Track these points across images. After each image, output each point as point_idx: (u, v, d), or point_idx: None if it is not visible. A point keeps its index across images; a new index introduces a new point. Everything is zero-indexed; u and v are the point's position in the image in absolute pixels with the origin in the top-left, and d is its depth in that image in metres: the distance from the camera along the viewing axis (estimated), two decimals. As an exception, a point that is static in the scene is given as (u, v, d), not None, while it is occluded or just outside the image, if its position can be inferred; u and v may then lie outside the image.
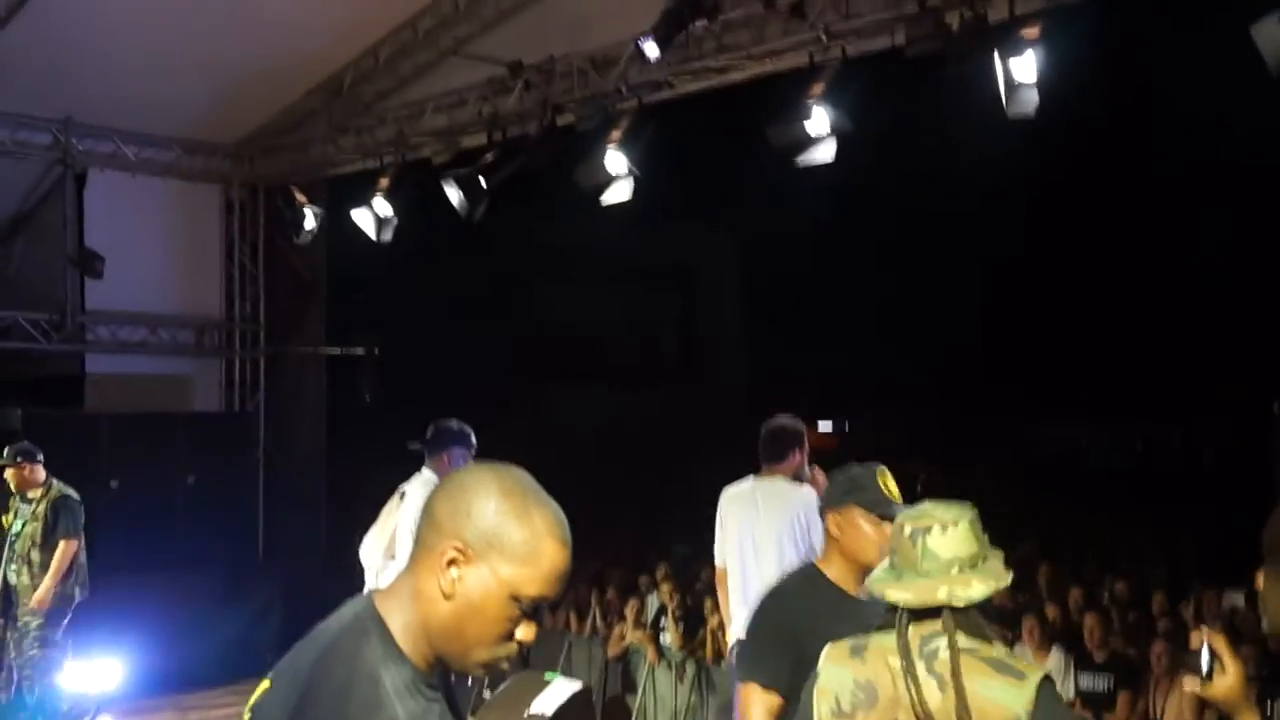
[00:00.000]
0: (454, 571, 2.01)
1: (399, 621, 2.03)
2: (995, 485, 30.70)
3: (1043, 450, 32.35)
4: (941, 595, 2.89)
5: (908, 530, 3.00)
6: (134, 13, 10.67)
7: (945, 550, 2.94)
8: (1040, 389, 28.20)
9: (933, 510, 3.03)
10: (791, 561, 5.70)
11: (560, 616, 12.04)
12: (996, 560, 3.03)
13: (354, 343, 13.72)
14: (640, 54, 9.00)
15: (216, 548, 12.37)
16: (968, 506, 3.06)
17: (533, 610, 2.05)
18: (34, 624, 9.13)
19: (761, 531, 6.11)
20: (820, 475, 6.09)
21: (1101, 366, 24.62)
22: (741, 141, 9.57)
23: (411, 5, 11.54)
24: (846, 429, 36.56)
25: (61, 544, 9.17)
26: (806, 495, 6.05)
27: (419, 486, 6.54)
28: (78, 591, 9.33)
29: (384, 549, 6.45)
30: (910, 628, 2.91)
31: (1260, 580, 2.52)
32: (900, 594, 2.94)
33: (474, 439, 6.63)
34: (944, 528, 2.98)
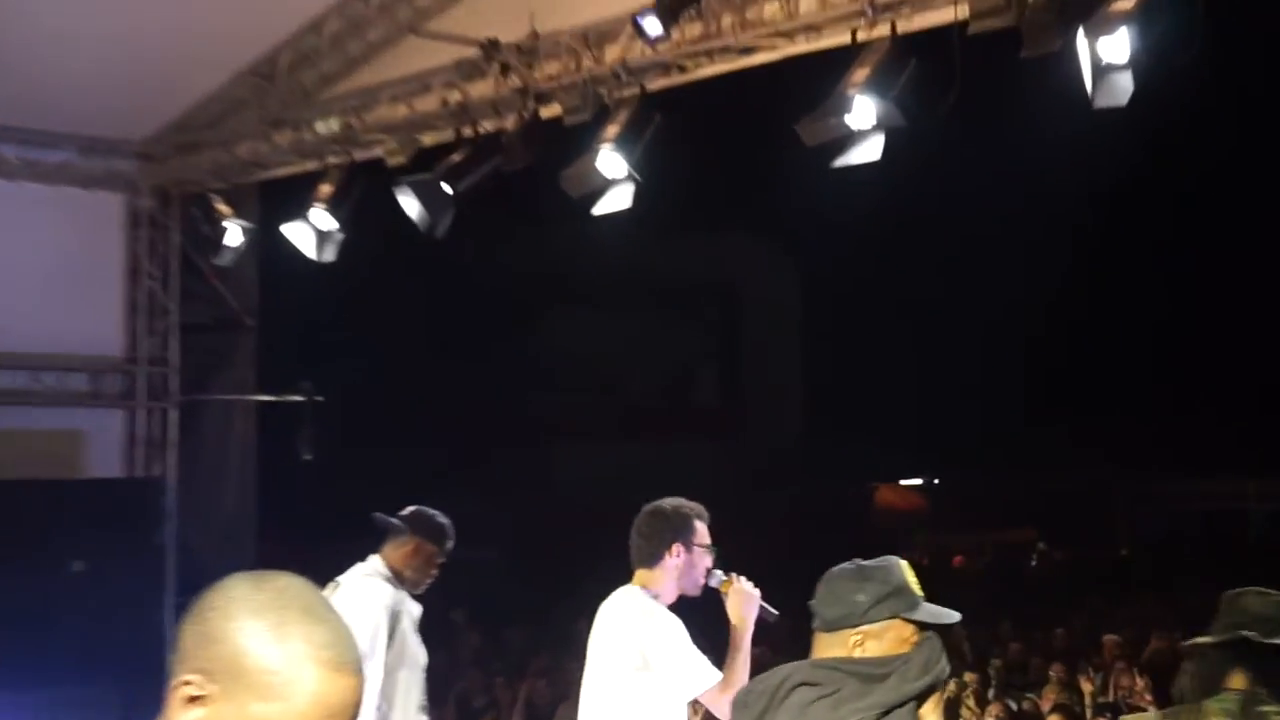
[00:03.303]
0: (197, 712, 1.99)
1: None
2: (1130, 558, 30.76)
3: (1193, 514, 32.25)
4: (1244, 631, 3.86)
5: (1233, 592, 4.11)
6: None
7: (1255, 606, 3.99)
8: (1184, 439, 28.17)
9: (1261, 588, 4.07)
10: (612, 708, 5.69)
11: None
12: None
13: (291, 389, 13.84)
14: (640, 31, 9.16)
15: (113, 653, 12.40)
16: None
17: None
18: None
19: (591, 668, 6.01)
20: (740, 586, 5.96)
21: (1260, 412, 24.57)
22: (767, 137, 9.72)
23: (360, -32, 11.76)
24: (934, 486, 36.69)
25: None
26: (634, 612, 5.84)
27: (360, 578, 6.65)
28: None
29: None
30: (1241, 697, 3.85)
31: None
32: (1205, 638, 4.02)
33: (450, 545, 6.83)
34: (1261, 595, 4.01)
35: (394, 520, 6.78)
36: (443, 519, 6.87)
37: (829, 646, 3.59)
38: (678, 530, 5.97)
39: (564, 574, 20.62)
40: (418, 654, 6.85)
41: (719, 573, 6.00)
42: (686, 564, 5.95)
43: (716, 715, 5.88)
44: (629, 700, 5.77)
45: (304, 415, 13.65)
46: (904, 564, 3.71)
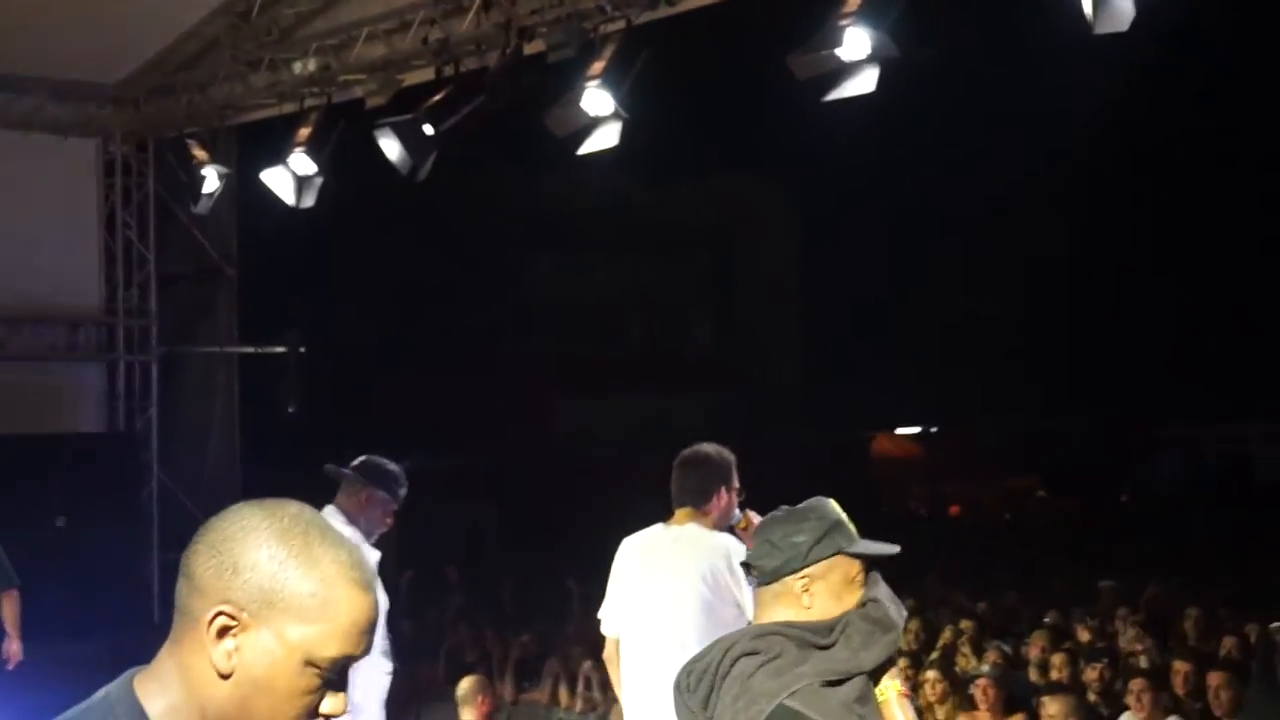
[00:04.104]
0: (229, 643, 2.07)
1: (161, 705, 2.10)
2: (1132, 505, 30.76)
3: (1192, 462, 32.25)
4: None
5: None
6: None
7: None
8: (1184, 385, 28.10)
9: None
10: (706, 633, 5.81)
11: (545, 689, 12.18)
12: None
13: (273, 340, 13.79)
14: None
15: (98, 609, 12.41)
16: None
17: (337, 675, 2.13)
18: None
19: (672, 595, 6.21)
20: (757, 520, 6.17)
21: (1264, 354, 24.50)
22: (760, 72, 9.59)
23: (335, -99, 11.63)
24: (932, 434, 36.63)
25: None
26: (728, 544, 6.16)
27: None
28: None
29: None
30: None
31: None
32: None
33: (404, 493, 6.95)
34: None
35: (345, 470, 6.88)
36: (394, 466, 6.97)
37: (774, 600, 3.55)
38: (724, 473, 6.28)
39: (558, 529, 20.60)
40: (379, 599, 6.86)
41: (736, 511, 6.33)
42: (728, 505, 6.29)
43: None
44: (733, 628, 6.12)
45: (288, 367, 13.60)
46: (833, 502, 3.67)
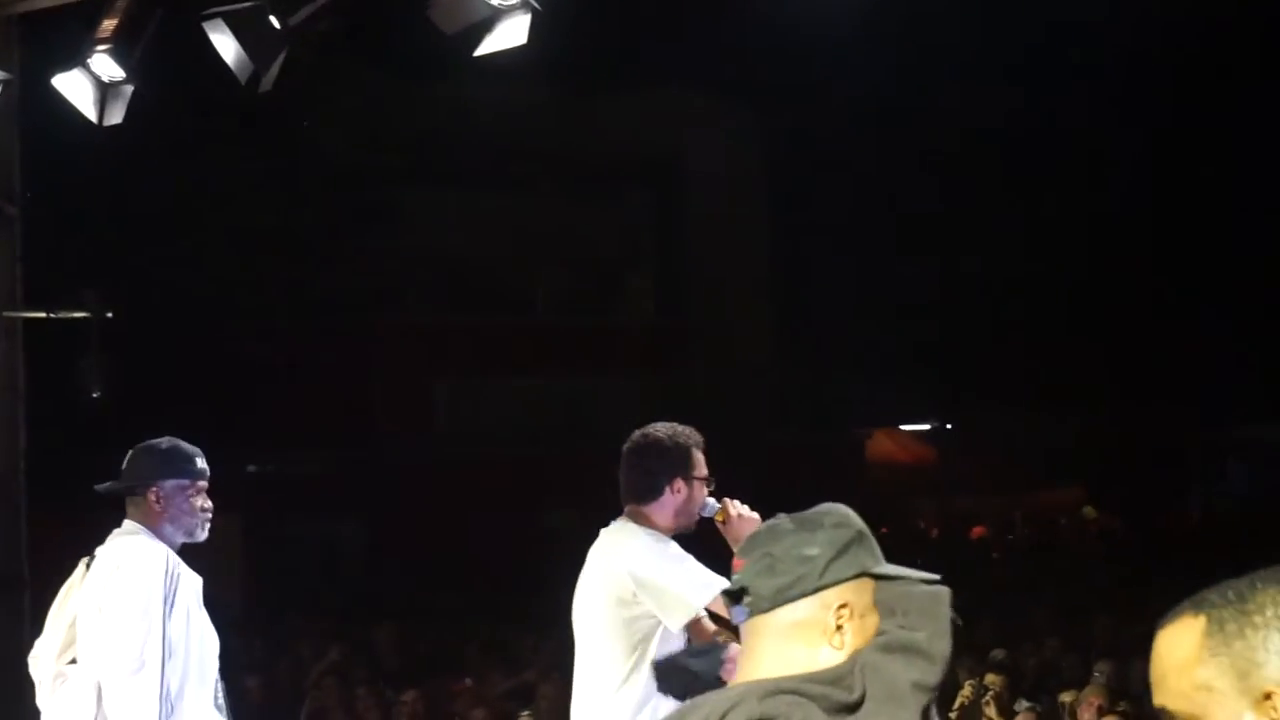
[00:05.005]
0: None
1: None
2: (1205, 524, 31.11)
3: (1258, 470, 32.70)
4: None
5: None
6: None
7: None
8: (1245, 378, 28.51)
9: None
10: (605, 651, 6.30)
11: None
12: None
13: (71, 303, 13.70)
14: None
15: None
16: None
17: None
18: None
19: (581, 607, 6.62)
20: (736, 511, 6.54)
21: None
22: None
23: None
24: (947, 432, 36.97)
25: None
26: (647, 543, 6.46)
27: (115, 550, 6.82)
28: None
29: (59, 648, 6.84)
30: None
31: None
32: None
33: (201, 464, 6.94)
34: None
35: (115, 483, 6.93)
36: (171, 440, 6.96)
37: (780, 637, 3.21)
38: (678, 463, 6.60)
39: (449, 552, 20.58)
40: (206, 635, 6.92)
41: (711, 501, 6.63)
42: (686, 499, 6.60)
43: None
44: (620, 640, 6.43)
45: (90, 338, 13.51)
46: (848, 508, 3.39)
